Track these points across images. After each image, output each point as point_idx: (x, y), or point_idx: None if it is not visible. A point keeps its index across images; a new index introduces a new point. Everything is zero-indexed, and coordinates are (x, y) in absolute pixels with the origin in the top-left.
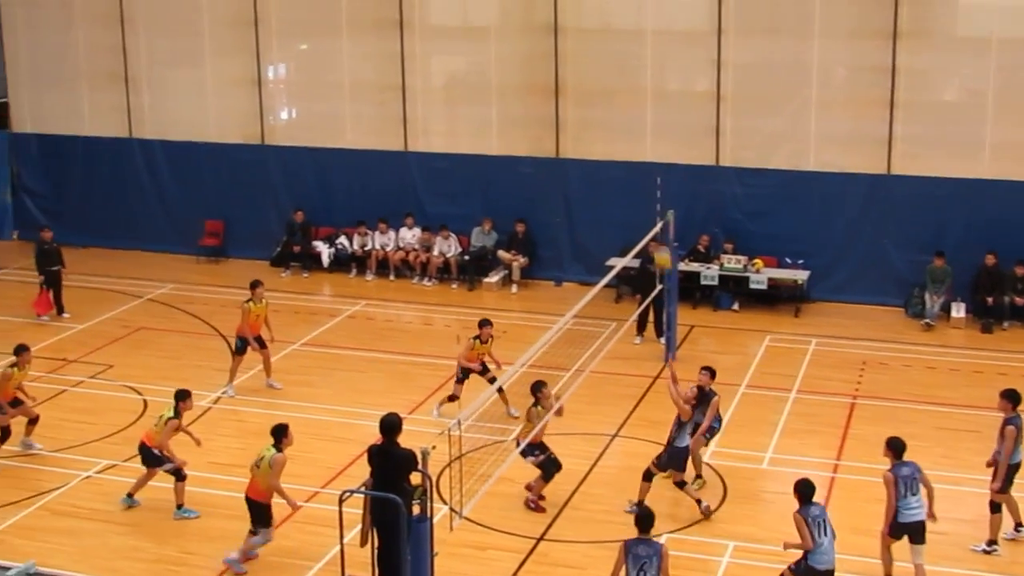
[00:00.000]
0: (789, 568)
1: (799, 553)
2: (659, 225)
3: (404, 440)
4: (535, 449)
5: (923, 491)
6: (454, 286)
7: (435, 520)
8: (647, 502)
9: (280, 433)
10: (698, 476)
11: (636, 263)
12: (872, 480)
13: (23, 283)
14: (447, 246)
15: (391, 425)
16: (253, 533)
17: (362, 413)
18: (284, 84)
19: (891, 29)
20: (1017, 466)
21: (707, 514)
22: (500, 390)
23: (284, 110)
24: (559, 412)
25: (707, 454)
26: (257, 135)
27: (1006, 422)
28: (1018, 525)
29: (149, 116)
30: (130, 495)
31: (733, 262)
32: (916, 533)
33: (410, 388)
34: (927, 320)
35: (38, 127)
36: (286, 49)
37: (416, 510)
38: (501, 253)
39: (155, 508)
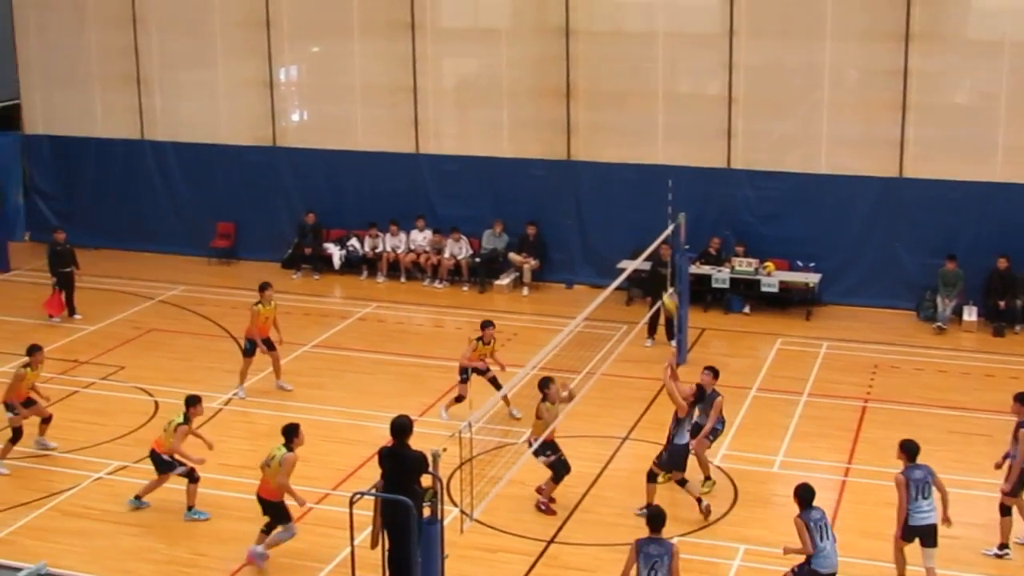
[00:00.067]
0: (792, 571)
1: (801, 557)
2: (670, 228)
3: (415, 442)
4: (547, 449)
5: (936, 495)
6: (465, 288)
7: (445, 522)
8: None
9: (291, 433)
10: (707, 478)
11: (647, 266)
12: (883, 484)
13: (35, 284)
14: (458, 248)
15: (402, 427)
16: (265, 532)
17: (372, 415)
18: (296, 86)
19: (903, 32)
20: None
21: (707, 514)
22: (497, 385)
23: (296, 112)
24: (570, 397)
25: (718, 457)
26: (269, 137)
27: (1019, 425)
28: None
29: (161, 118)
30: (138, 497)
31: (744, 265)
32: (927, 536)
33: (421, 390)
34: (939, 323)
35: (50, 128)
36: (298, 51)
37: (426, 512)
38: (512, 255)
39: (166, 509)
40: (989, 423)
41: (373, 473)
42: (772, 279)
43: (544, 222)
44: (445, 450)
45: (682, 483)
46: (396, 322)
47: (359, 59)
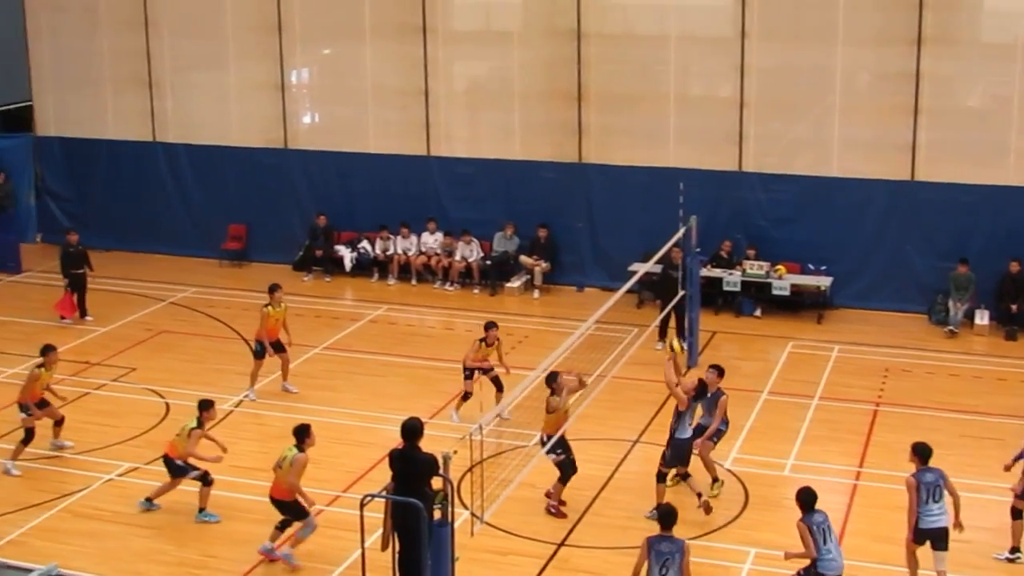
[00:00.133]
0: (798, 574)
1: (805, 561)
2: (681, 231)
3: (425, 444)
4: (558, 447)
5: (947, 499)
6: (476, 291)
7: (456, 525)
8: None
9: (303, 434)
10: (715, 480)
11: (658, 269)
12: (895, 488)
13: (47, 286)
14: (469, 251)
15: (412, 429)
16: (279, 529)
17: (383, 417)
18: (307, 88)
19: (915, 35)
20: None
21: (708, 510)
22: (500, 389)
23: (307, 114)
24: (581, 384)
25: (729, 460)
26: (280, 139)
27: None
28: None
29: (173, 120)
30: (149, 499)
31: (756, 268)
32: (938, 540)
33: (431, 393)
34: (950, 327)
35: (62, 130)
36: (309, 54)
37: (437, 515)
38: (523, 258)
39: (177, 511)
40: (1001, 427)
41: (384, 475)
42: (783, 282)
43: (555, 225)
44: (456, 452)
45: (685, 477)
46: (407, 324)
47: (371, 62)
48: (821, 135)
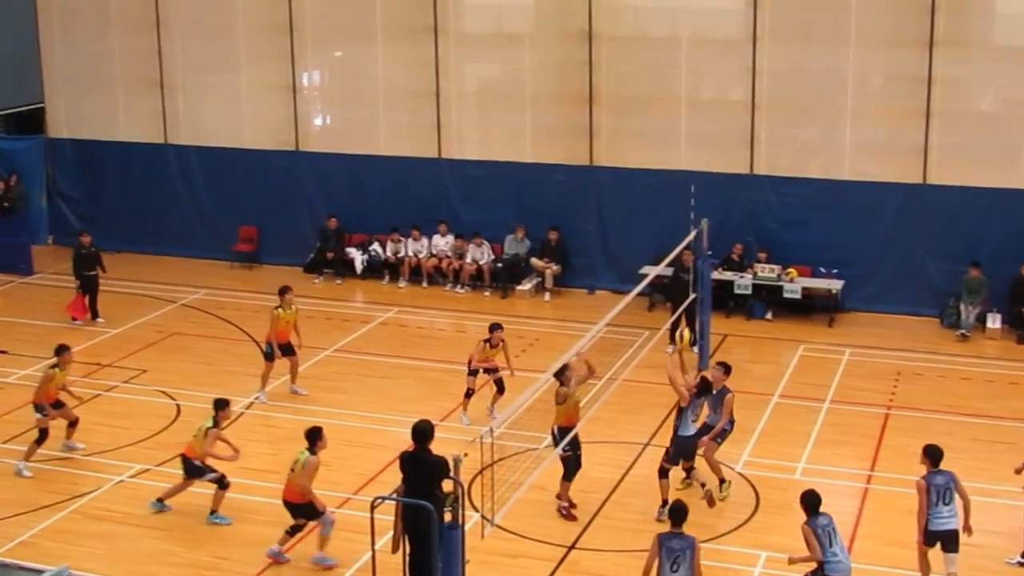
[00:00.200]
0: None
1: (811, 565)
2: (693, 233)
3: (436, 447)
4: (567, 445)
5: (958, 501)
6: (487, 293)
7: (467, 527)
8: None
9: (315, 436)
10: (722, 481)
11: (669, 271)
12: (906, 492)
13: (58, 288)
14: (480, 253)
15: (423, 432)
16: (289, 534)
17: (394, 420)
18: (318, 90)
19: (927, 38)
20: None
21: (710, 501)
22: (500, 392)
23: (318, 116)
24: (591, 372)
25: (740, 463)
26: (291, 141)
27: None
28: None
29: (184, 122)
30: (160, 500)
31: (767, 271)
32: (948, 541)
33: (442, 395)
34: (962, 331)
35: (74, 132)
36: (321, 55)
37: (448, 517)
38: (534, 261)
39: (188, 513)
40: (1013, 431)
41: (394, 478)
42: (795, 285)
43: (566, 227)
44: (466, 455)
45: (689, 471)
46: (418, 327)
47: (382, 63)
48: (833, 138)
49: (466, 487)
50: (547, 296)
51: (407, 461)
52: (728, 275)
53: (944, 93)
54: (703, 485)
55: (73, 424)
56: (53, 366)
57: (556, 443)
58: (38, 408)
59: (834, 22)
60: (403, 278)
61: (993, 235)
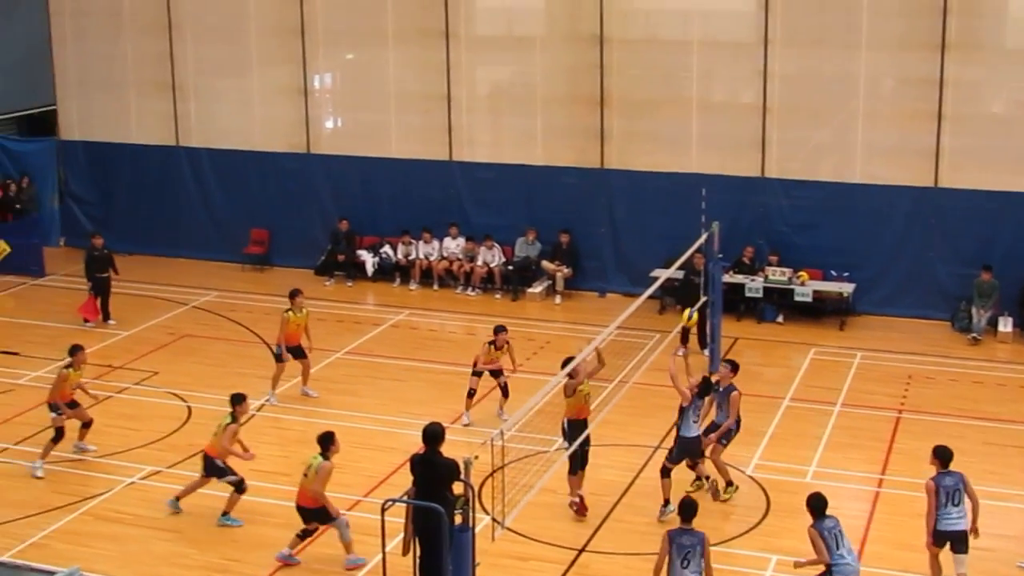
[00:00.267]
0: None
1: (818, 568)
2: (704, 236)
3: (446, 450)
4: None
5: (967, 503)
6: (498, 296)
7: (477, 530)
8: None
9: (327, 441)
10: (729, 483)
11: (680, 275)
12: (917, 495)
13: (70, 289)
14: (491, 256)
15: (434, 434)
16: (300, 538)
17: (405, 422)
18: (330, 93)
19: (939, 41)
20: None
21: (714, 494)
22: (505, 396)
23: (330, 119)
24: (600, 362)
25: (751, 467)
26: (303, 144)
27: None
28: None
29: (196, 124)
30: (177, 499)
31: (778, 274)
32: (957, 542)
33: (453, 398)
34: (974, 334)
35: (86, 134)
36: (332, 58)
37: (458, 520)
38: (545, 263)
39: (199, 515)
40: None
41: (405, 480)
42: (806, 288)
43: (577, 230)
44: (477, 457)
45: (693, 466)
46: (429, 329)
47: (393, 67)
48: (844, 141)
49: (476, 490)
50: (558, 299)
51: (418, 463)
52: (739, 278)
53: (956, 96)
54: (707, 478)
55: (86, 425)
56: (67, 366)
57: (565, 436)
58: (53, 408)
59: (846, 25)
60: (414, 281)
61: (1005, 238)
